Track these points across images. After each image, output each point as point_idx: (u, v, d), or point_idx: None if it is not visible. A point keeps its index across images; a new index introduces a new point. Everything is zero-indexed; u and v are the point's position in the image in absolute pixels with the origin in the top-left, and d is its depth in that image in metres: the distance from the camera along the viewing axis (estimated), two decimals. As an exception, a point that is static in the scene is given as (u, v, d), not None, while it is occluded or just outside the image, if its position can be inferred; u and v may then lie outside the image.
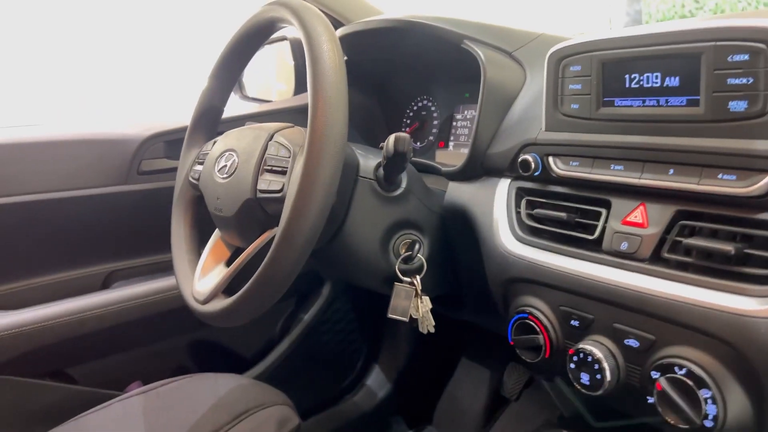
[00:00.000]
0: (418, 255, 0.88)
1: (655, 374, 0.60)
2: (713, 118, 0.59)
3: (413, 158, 0.97)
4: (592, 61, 0.69)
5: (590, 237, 0.69)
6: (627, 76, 0.66)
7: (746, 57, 0.56)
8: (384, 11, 1.30)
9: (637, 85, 0.65)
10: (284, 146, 0.78)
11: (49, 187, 1.13)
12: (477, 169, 0.87)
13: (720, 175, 0.59)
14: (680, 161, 0.62)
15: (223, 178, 0.83)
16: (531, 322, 0.73)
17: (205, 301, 0.83)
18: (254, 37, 0.90)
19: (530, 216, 0.77)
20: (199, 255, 0.94)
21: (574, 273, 0.69)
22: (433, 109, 1.16)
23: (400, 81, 1.19)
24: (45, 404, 1.09)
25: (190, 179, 0.94)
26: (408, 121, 1.21)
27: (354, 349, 1.57)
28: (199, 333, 1.31)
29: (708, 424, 0.56)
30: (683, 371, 0.58)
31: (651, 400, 0.61)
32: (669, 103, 0.63)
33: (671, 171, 0.63)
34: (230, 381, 1.01)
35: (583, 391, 0.66)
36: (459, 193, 0.89)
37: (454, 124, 1.11)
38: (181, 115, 1.25)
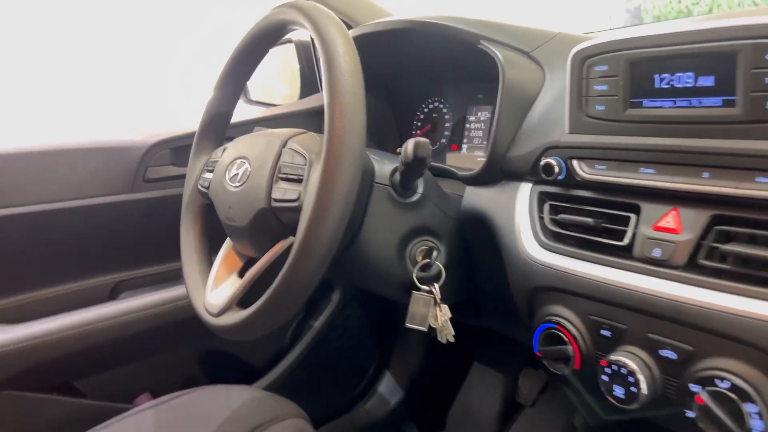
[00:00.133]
0: (436, 262, 0.85)
1: (694, 387, 0.58)
2: (751, 119, 0.57)
3: None
4: (619, 61, 0.66)
5: (620, 243, 0.67)
6: (656, 76, 0.64)
7: (787, 55, 0.53)
8: (392, 13, 1.28)
9: (667, 86, 0.63)
10: (299, 153, 0.75)
11: (53, 197, 1.11)
12: (496, 173, 0.84)
13: (758, 178, 0.57)
14: (715, 164, 0.60)
15: (235, 187, 0.80)
16: (559, 332, 0.71)
17: (219, 314, 0.80)
18: (263, 41, 0.88)
19: (554, 221, 0.75)
20: (210, 265, 0.91)
21: (604, 281, 0.67)
22: (444, 111, 1.13)
23: (410, 83, 1.17)
24: (53, 419, 1.07)
25: (200, 187, 0.91)
26: (419, 124, 1.18)
27: (365, 356, 1.55)
28: (207, 343, 1.28)
29: (753, 439, 0.54)
30: (726, 384, 0.55)
31: (690, 414, 0.58)
32: (703, 104, 0.60)
33: (706, 174, 0.61)
34: (243, 393, 0.98)
35: (617, 404, 0.64)
36: (477, 197, 0.87)
37: (467, 126, 1.08)
38: (187, 120, 1.23)
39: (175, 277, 1.26)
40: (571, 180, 0.74)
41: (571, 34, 0.92)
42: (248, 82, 1.64)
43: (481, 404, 1.46)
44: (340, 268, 0.96)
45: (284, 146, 0.78)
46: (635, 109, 0.66)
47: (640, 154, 0.66)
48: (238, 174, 0.81)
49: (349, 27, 1.18)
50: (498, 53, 0.82)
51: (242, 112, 1.34)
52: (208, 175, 0.90)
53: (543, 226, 0.76)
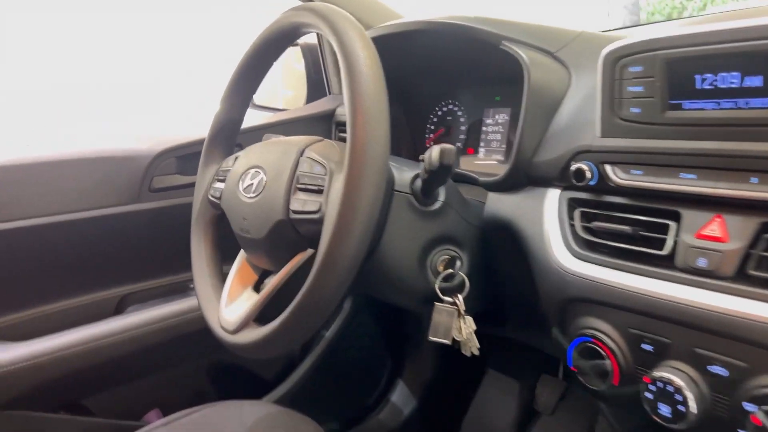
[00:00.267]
0: (460, 272, 0.82)
1: (749, 406, 0.55)
2: (804, 121, 0.54)
3: None
4: (656, 61, 0.63)
5: (660, 252, 0.64)
6: (698, 76, 0.60)
7: None
8: (402, 15, 1.25)
9: (710, 86, 0.60)
10: (318, 162, 0.72)
11: (56, 209, 1.07)
12: (521, 178, 0.81)
13: (811, 183, 0.54)
14: (764, 168, 0.57)
15: (250, 198, 0.77)
16: (596, 346, 0.67)
17: (236, 331, 0.77)
18: (275, 45, 0.85)
19: (586, 229, 0.72)
20: (223, 278, 0.88)
21: (644, 292, 0.64)
22: (459, 114, 1.10)
23: (423, 86, 1.14)
24: (61, 439, 1.03)
25: (210, 198, 0.88)
26: (432, 128, 1.15)
27: (378, 365, 1.52)
28: (216, 356, 1.25)
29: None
30: (785, 403, 0.52)
31: (744, 434, 0.55)
32: (750, 105, 0.57)
33: (754, 179, 0.57)
34: (256, 408, 0.95)
35: (663, 424, 0.60)
36: (501, 204, 0.84)
37: (484, 129, 1.05)
38: (193, 128, 1.19)
39: (183, 289, 1.22)
40: (603, 186, 0.70)
41: (594, 33, 0.89)
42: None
43: (497, 412, 1.43)
44: (359, 280, 0.92)
45: (301, 155, 0.74)
46: (674, 111, 0.63)
47: (680, 159, 0.63)
48: (252, 184, 0.78)
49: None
50: (522, 54, 0.79)
51: (247, 117, 1.31)
52: (219, 185, 0.86)
53: (574, 234, 0.73)
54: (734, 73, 0.58)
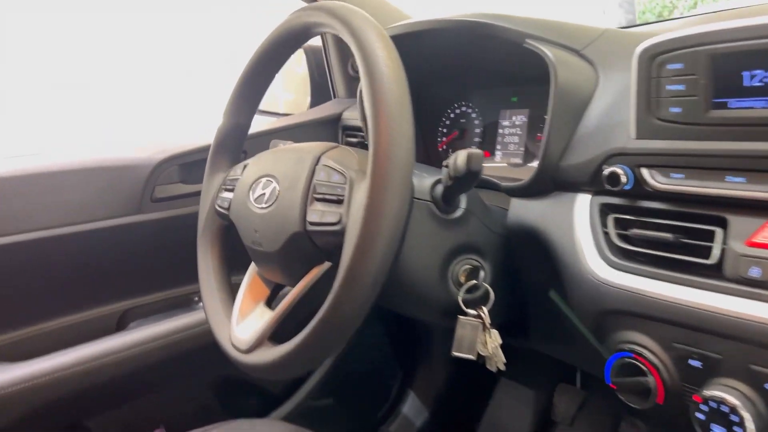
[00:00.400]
0: (484, 283, 0.78)
1: (814, 427, 0.51)
2: None
3: None
4: (699, 57, 0.59)
5: (705, 261, 0.59)
6: (746, 73, 0.56)
7: None
8: (410, 15, 1.21)
9: (760, 83, 0.56)
10: (336, 171, 0.67)
11: (54, 222, 1.03)
12: (547, 183, 0.77)
13: None
14: (821, 171, 0.53)
15: (262, 208, 0.73)
16: (637, 362, 0.63)
17: (249, 350, 0.72)
18: (285, 47, 0.81)
19: (622, 237, 0.67)
20: (232, 292, 0.84)
21: (690, 304, 0.59)
22: (473, 116, 1.06)
23: (435, 87, 1.09)
24: (63, 463, 0.99)
25: (218, 208, 0.84)
26: (444, 131, 1.11)
27: (388, 376, 1.47)
28: (222, 371, 1.20)
29: None
30: None
31: (809, 457, 0.51)
32: (805, 103, 0.53)
33: (811, 183, 0.53)
34: (267, 428, 0.90)
35: (718, 446, 0.56)
36: (525, 211, 0.79)
37: (500, 131, 1.01)
38: (196, 134, 1.15)
39: (187, 302, 1.18)
40: (639, 190, 0.66)
41: (619, 30, 0.85)
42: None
43: (512, 423, 1.39)
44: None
45: (317, 163, 0.70)
46: (719, 110, 0.59)
47: (726, 161, 0.59)
48: (264, 194, 0.73)
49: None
50: (548, 52, 0.75)
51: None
52: (227, 195, 0.82)
53: (609, 242, 0.68)
54: (788, 69, 0.54)
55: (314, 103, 1.38)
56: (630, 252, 0.67)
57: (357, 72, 1.36)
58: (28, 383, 0.93)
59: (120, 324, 1.12)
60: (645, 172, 0.65)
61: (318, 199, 0.67)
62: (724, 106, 0.59)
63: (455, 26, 0.85)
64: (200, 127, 1.18)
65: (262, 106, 1.48)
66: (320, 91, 1.38)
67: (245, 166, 0.81)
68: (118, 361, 1.01)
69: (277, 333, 0.73)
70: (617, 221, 0.69)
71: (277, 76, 1.60)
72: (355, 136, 1.23)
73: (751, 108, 0.57)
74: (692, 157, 0.61)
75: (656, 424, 0.66)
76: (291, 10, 0.76)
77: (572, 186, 0.74)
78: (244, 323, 0.76)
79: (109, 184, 1.06)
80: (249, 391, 1.25)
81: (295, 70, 1.48)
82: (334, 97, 1.38)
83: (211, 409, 1.21)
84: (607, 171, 0.68)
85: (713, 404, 0.56)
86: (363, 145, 1.20)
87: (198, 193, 1.14)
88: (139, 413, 1.10)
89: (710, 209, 0.61)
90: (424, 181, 0.76)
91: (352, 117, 1.25)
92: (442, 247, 0.77)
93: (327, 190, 0.67)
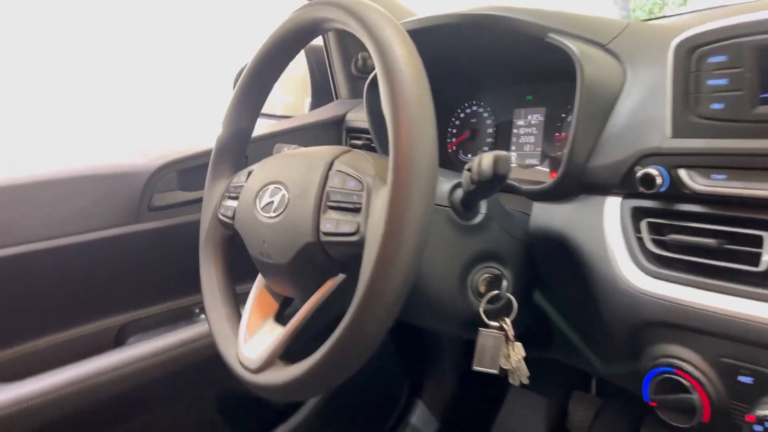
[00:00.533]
0: (507, 294, 0.73)
1: None
2: None
3: None
4: (744, 49, 0.55)
5: (754, 269, 0.55)
6: (797, 64, 0.52)
7: None
8: (415, 12, 1.16)
9: (814, 76, 0.51)
10: (352, 177, 0.62)
11: (46, 234, 0.98)
12: (573, 186, 0.72)
13: None
14: None
15: (271, 218, 0.68)
16: (680, 378, 0.59)
17: (259, 370, 0.67)
18: (291, 45, 0.76)
19: (658, 243, 0.63)
20: (237, 306, 0.79)
21: (738, 315, 0.55)
22: (485, 115, 1.01)
23: (444, 86, 1.05)
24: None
25: (221, 217, 0.79)
26: (455, 131, 1.06)
27: (395, 385, 1.42)
28: (225, 385, 1.15)
29: None
30: None
31: None
32: None
33: None
34: None
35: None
36: (549, 216, 0.75)
37: (515, 131, 0.96)
38: (195, 139, 1.10)
39: (188, 314, 1.13)
40: (675, 193, 0.62)
41: (643, 22, 0.80)
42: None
43: (524, 430, 1.34)
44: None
45: (330, 168, 0.65)
46: (767, 106, 0.55)
47: (776, 161, 0.55)
48: (273, 202, 0.69)
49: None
50: (573, 47, 0.70)
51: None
52: (231, 203, 0.77)
53: (643, 249, 0.64)
54: None
55: (315, 104, 1.34)
56: (667, 259, 0.62)
57: (361, 72, 1.32)
58: (23, 405, 0.88)
59: (118, 339, 1.07)
60: (683, 173, 0.61)
61: (332, 207, 0.63)
62: (772, 101, 0.54)
63: (472, 21, 0.81)
64: (199, 130, 1.13)
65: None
66: (322, 92, 1.33)
67: (250, 173, 0.76)
68: (117, 378, 0.96)
69: (292, 352, 0.69)
70: (651, 226, 0.64)
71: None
72: (360, 138, 1.18)
73: (804, 103, 0.52)
74: (736, 157, 0.57)
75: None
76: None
77: (600, 188, 0.70)
78: (252, 341, 0.71)
79: (105, 192, 1.01)
80: (254, 405, 1.20)
81: (293, 70, 1.44)
82: (337, 98, 1.33)
83: (216, 425, 1.16)
84: (640, 172, 0.63)
85: (769, 425, 0.52)
86: (369, 148, 1.15)
87: (198, 201, 1.09)
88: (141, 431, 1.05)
89: (757, 212, 0.57)
90: (442, 185, 0.72)
91: (356, 118, 1.20)
92: (462, 255, 0.73)
93: (342, 197, 0.62)
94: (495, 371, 0.74)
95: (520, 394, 1.37)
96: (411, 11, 1.15)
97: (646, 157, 0.64)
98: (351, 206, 0.61)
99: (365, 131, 1.16)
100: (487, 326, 0.74)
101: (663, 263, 0.63)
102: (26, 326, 0.99)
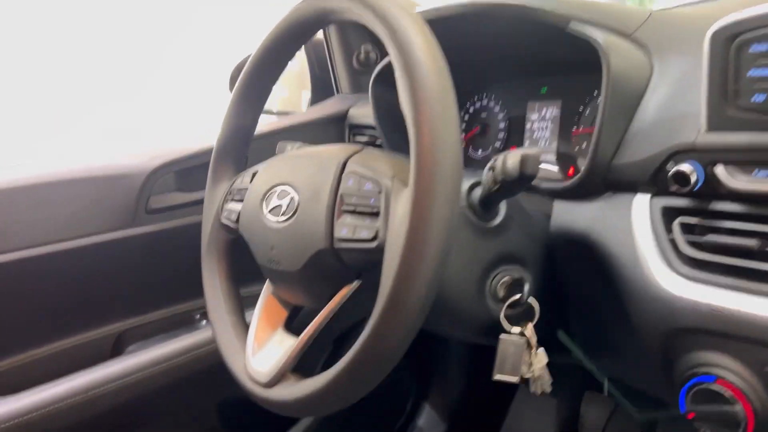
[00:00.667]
0: (530, 298, 0.70)
1: None
2: None
3: None
4: (790, 37, 0.51)
5: (803, 272, 0.52)
6: None
7: None
8: (419, 3, 1.12)
9: None
10: (367, 179, 0.58)
11: (38, 240, 0.93)
12: (597, 184, 0.69)
13: None
14: None
15: (279, 222, 0.64)
16: (721, 389, 0.55)
17: (270, 384, 0.64)
18: (296, 37, 0.72)
19: (694, 244, 0.59)
20: (243, 314, 0.75)
21: (786, 322, 0.52)
22: (496, 110, 0.98)
23: (453, 79, 1.01)
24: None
25: (224, 221, 0.75)
26: (464, 126, 1.02)
27: (402, 389, 1.39)
28: (229, 393, 1.11)
29: None
30: None
31: None
32: None
33: None
34: None
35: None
36: (572, 215, 0.71)
37: (529, 126, 0.92)
38: (193, 137, 1.06)
39: (188, 320, 1.09)
40: (711, 191, 0.58)
41: (665, 10, 0.76)
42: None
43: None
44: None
45: (343, 169, 0.61)
46: (816, 97, 0.51)
47: (826, 156, 0.51)
48: (281, 205, 0.64)
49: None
50: (598, 37, 0.67)
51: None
52: (235, 206, 0.73)
53: (676, 250, 0.60)
54: None
55: (316, 99, 1.29)
56: (702, 261, 0.59)
57: (363, 65, 1.28)
58: (18, 419, 0.84)
59: (116, 348, 1.03)
60: (720, 170, 0.57)
61: (347, 212, 0.59)
62: (820, 92, 0.51)
63: (492, 10, 0.76)
64: (198, 130, 1.08)
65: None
66: (321, 88, 1.29)
67: (254, 174, 0.72)
68: (116, 389, 0.92)
69: (305, 364, 0.65)
70: (684, 226, 0.61)
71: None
72: (363, 135, 1.14)
73: None
74: (781, 152, 0.54)
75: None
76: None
77: (627, 186, 0.66)
78: (261, 352, 0.67)
79: (99, 195, 0.97)
80: (260, 411, 1.16)
81: (289, 64, 1.39)
82: (337, 92, 1.29)
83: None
84: (672, 170, 0.60)
85: (825, 440, 0.48)
86: (373, 145, 1.11)
87: (197, 203, 1.05)
88: (141, 444, 1.01)
89: (803, 212, 0.53)
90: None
91: (360, 114, 1.16)
92: (481, 258, 0.69)
93: (358, 200, 0.58)
94: (515, 380, 0.70)
95: (529, 396, 1.34)
96: (414, 1, 1.10)
97: (678, 154, 0.60)
98: (368, 210, 0.57)
99: (369, 127, 1.12)
100: (507, 332, 0.70)
101: (698, 266, 0.59)
102: (18, 337, 0.95)
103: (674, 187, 0.60)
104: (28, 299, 0.95)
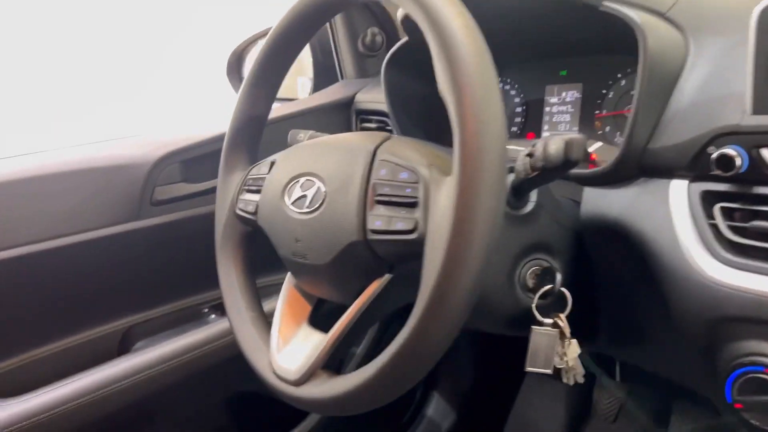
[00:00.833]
0: (561, 288, 0.68)
1: None
2: None
3: None
4: None
5: None
6: None
7: None
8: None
9: None
10: (403, 168, 0.56)
11: (40, 235, 0.90)
12: (631, 169, 0.67)
13: None
14: None
15: (305, 214, 0.61)
16: (771, 378, 0.54)
17: (300, 382, 0.61)
18: (313, 21, 0.69)
19: (736, 229, 0.58)
20: (262, 309, 0.72)
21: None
22: (513, 93, 0.95)
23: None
24: None
25: (240, 212, 0.72)
26: (477, 111, 0.99)
27: (411, 379, 1.37)
28: (238, 388, 1.08)
29: None
30: None
31: None
32: None
33: None
34: None
35: None
36: (604, 202, 0.69)
37: (547, 109, 0.90)
38: (199, 125, 1.02)
39: (197, 315, 1.06)
40: (754, 175, 0.57)
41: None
42: (237, 74, 1.43)
43: (543, 420, 1.31)
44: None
45: (374, 158, 0.58)
46: None
47: None
48: (306, 196, 0.61)
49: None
50: (634, 16, 0.64)
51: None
52: (252, 197, 0.70)
53: (719, 236, 0.59)
54: None
55: (319, 86, 1.26)
56: (746, 247, 0.57)
57: (369, 49, 1.24)
58: (25, 423, 0.81)
59: (123, 344, 0.99)
60: (766, 153, 0.56)
61: (380, 202, 0.56)
62: None
63: None
64: (202, 116, 1.04)
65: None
66: (326, 73, 1.25)
67: (273, 163, 0.69)
68: (125, 388, 0.89)
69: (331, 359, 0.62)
70: (725, 211, 0.59)
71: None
72: (371, 121, 1.11)
73: None
74: (834, 134, 0.52)
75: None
76: None
77: (664, 171, 0.64)
78: (287, 348, 0.65)
79: (102, 187, 0.93)
80: (270, 405, 1.13)
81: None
82: (342, 78, 1.26)
83: (227, 429, 1.10)
84: (715, 153, 0.58)
85: None
86: (382, 131, 1.08)
87: (204, 193, 1.02)
88: (150, 442, 0.98)
89: None
90: None
91: (367, 99, 1.12)
92: (511, 247, 0.67)
93: (393, 190, 0.55)
94: (548, 371, 0.68)
95: (538, 383, 1.33)
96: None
97: (721, 137, 0.58)
98: (405, 201, 0.54)
99: (378, 113, 1.08)
100: (539, 323, 0.68)
101: (742, 252, 0.57)
102: (21, 336, 0.91)
103: (717, 171, 0.58)
104: (29, 297, 0.91)
